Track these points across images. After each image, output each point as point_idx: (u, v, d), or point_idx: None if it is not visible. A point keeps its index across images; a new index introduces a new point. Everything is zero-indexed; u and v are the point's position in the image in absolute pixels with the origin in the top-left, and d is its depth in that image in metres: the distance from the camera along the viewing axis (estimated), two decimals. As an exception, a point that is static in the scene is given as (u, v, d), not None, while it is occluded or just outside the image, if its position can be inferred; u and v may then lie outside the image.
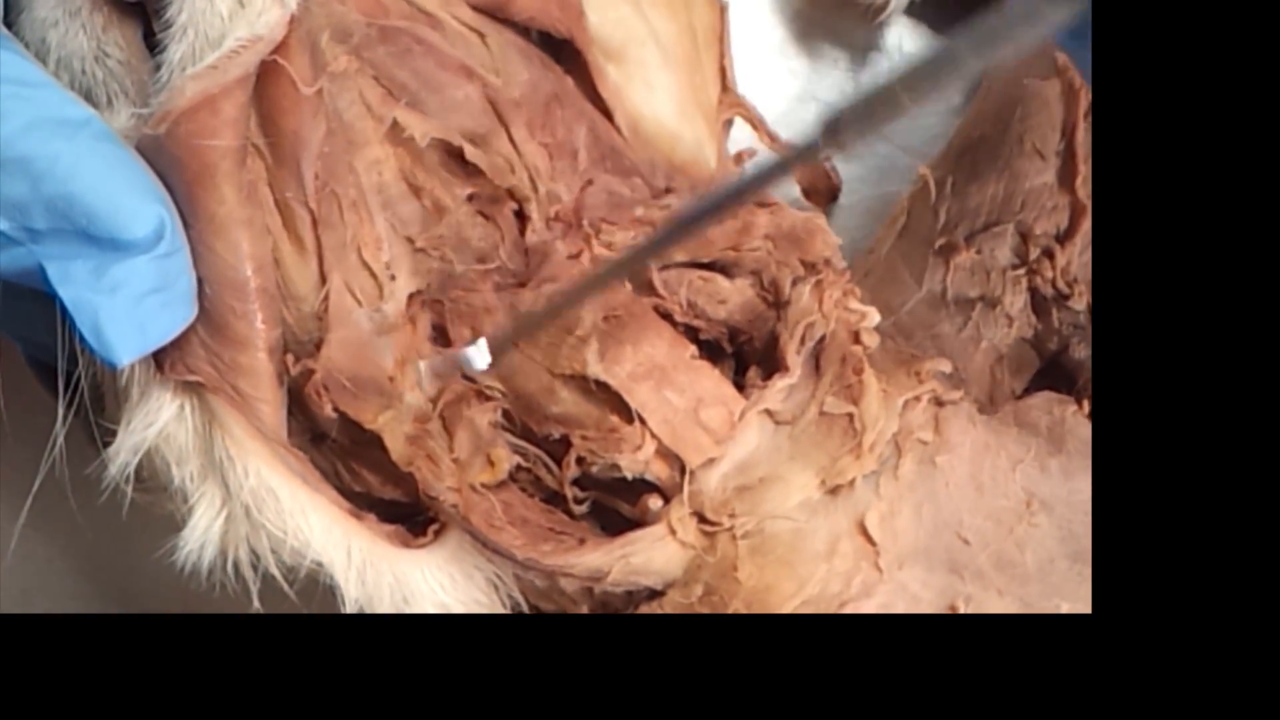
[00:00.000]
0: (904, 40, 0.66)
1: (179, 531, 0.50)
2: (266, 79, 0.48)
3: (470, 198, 0.53)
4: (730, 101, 0.62)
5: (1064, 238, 0.57)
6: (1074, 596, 0.51)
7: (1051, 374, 0.59)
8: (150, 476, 0.51)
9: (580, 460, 0.52)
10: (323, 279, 0.50)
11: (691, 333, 0.55)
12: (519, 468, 0.53)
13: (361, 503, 0.52)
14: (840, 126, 0.42)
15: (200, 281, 0.48)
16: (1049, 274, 0.57)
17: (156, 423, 0.50)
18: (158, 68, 0.48)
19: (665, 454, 0.52)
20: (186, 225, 0.47)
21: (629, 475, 0.52)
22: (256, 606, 0.50)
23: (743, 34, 0.63)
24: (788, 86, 0.67)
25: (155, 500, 0.52)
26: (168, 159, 0.47)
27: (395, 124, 0.51)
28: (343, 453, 0.52)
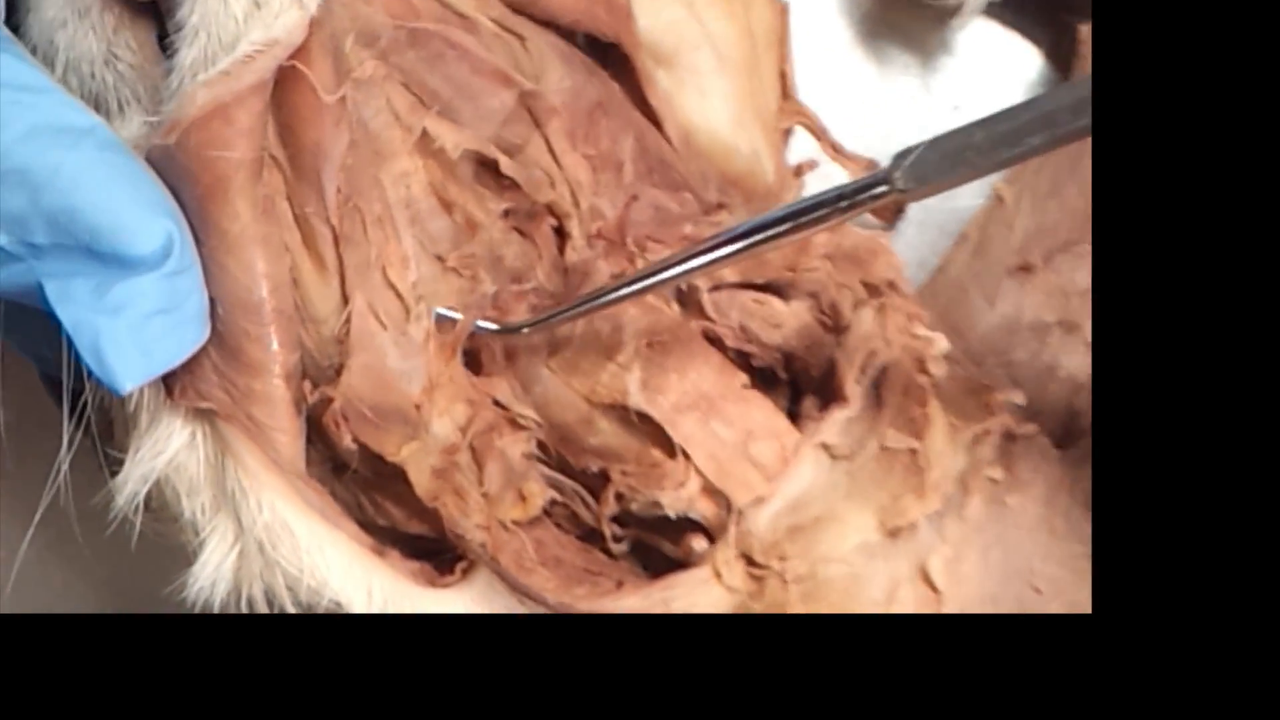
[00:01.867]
0: (981, 44, 0.62)
1: (190, 565, 0.48)
2: (285, 86, 0.45)
3: (506, 213, 0.50)
4: (791, 109, 0.59)
5: (1149, 259, 0.53)
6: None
7: None
8: (160, 507, 0.48)
9: (619, 496, 0.50)
10: (344, 300, 0.48)
11: (743, 359, 0.52)
12: (554, 503, 0.51)
13: (385, 538, 0.50)
14: (914, 165, 0.41)
15: (213, 302, 0.46)
16: None
17: (166, 451, 0.47)
18: (169, 72, 0.46)
19: (711, 491, 0.49)
20: (198, 242, 0.45)
21: (672, 514, 0.49)
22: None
23: (805, 36, 0.60)
24: (854, 93, 0.63)
25: (166, 532, 0.49)
26: (179, 170, 0.45)
27: (425, 134, 0.48)
28: (365, 485, 0.50)
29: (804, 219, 0.44)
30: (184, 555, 0.49)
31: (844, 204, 0.43)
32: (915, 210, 0.61)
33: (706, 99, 0.55)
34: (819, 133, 0.59)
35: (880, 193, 0.42)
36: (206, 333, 0.46)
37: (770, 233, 0.44)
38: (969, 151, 0.41)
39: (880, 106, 0.63)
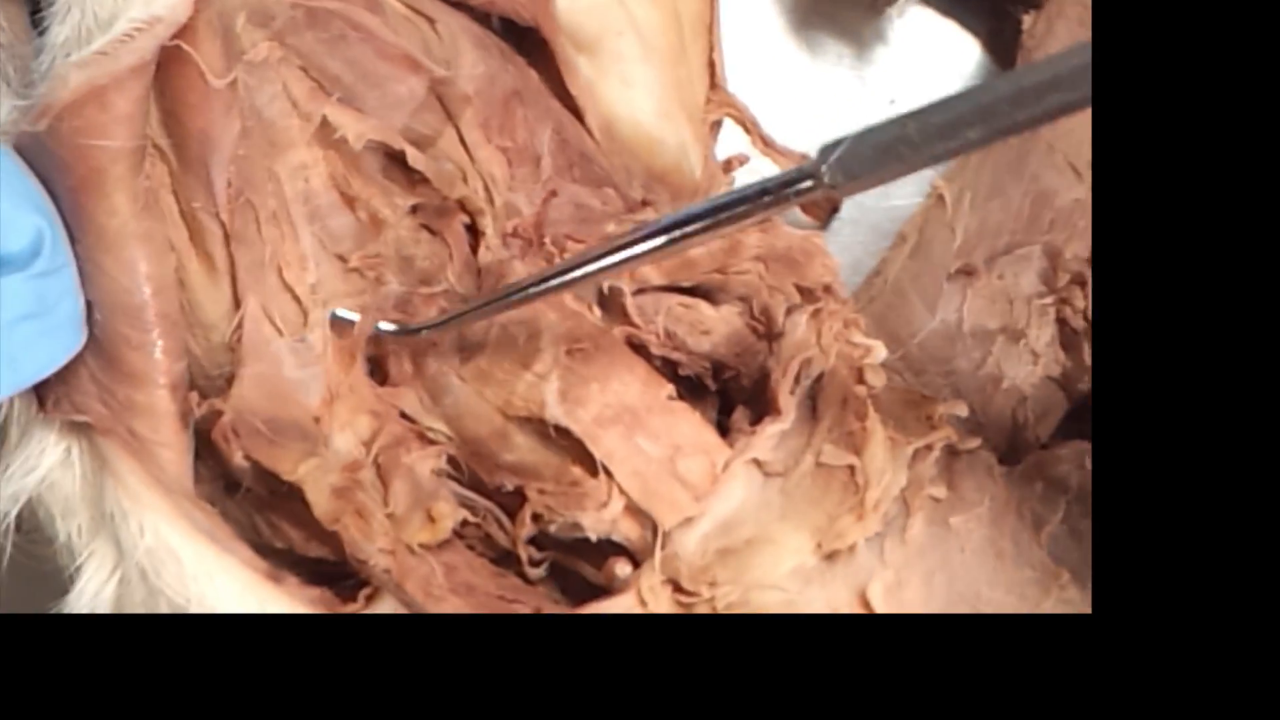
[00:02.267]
0: (915, 35, 0.60)
1: (66, 593, 0.45)
2: (170, 69, 0.43)
3: (414, 209, 0.48)
4: (720, 100, 0.56)
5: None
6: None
7: (1081, 418, 0.54)
8: (33, 529, 0.46)
9: (537, 517, 0.47)
10: (236, 303, 0.45)
11: (670, 367, 0.50)
12: (466, 523, 0.48)
13: (282, 561, 0.47)
14: (842, 159, 0.38)
15: (89, 305, 0.43)
16: (1080, 304, 0.53)
17: (38, 468, 0.44)
18: (40, 51, 0.43)
19: (635, 511, 0.46)
20: (73, 239, 0.42)
21: (593, 536, 0.46)
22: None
23: (735, 24, 0.58)
24: (784, 84, 0.61)
25: (41, 555, 0.46)
26: (51, 160, 0.42)
27: (325, 123, 0.46)
28: (259, 505, 0.47)
29: (726, 214, 0.41)
30: (60, 581, 0.45)
31: (768, 199, 0.40)
32: (850, 208, 0.60)
33: (630, 88, 0.52)
34: (749, 125, 0.57)
35: (806, 188, 0.39)
36: (82, 339, 0.43)
37: (691, 228, 0.41)
38: (901, 145, 0.38)
39: (812, 98, 0.61)
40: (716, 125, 0.57)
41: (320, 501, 0.45)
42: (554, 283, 0.43)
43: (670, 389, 0.48)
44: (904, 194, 0.59)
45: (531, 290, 0.44)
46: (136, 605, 0.44)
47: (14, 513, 0.44)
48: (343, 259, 0.46)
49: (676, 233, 0.42)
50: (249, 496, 0.47)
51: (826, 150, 0.39)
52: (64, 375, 0.43)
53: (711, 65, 0.56)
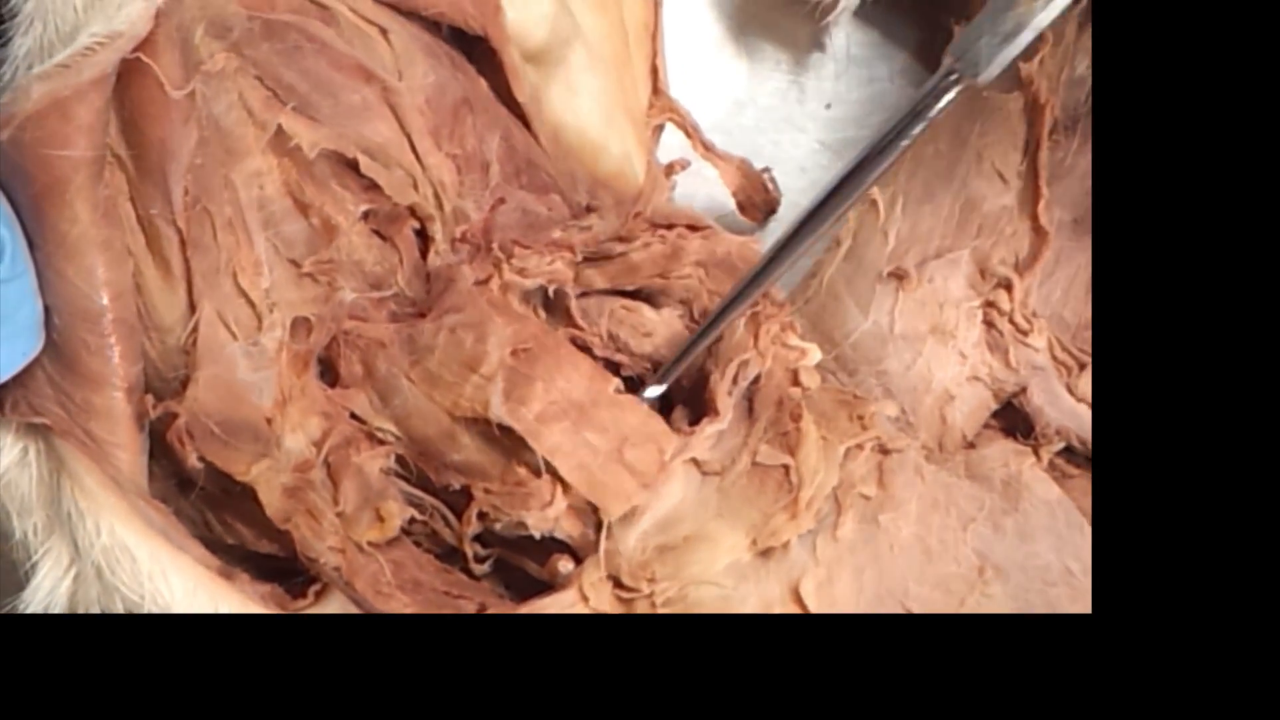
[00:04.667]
0: (851, 43, 0.61)
1: (21, 589, 0.46)
2: (130, 80, 0.43)
3: (365, 216, 0.48)
4: (662, 105, 0.57)
5: (1023, 267, 0.53)
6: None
7: (1008, 418, 0.54)
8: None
9: (482, 515, 0.48)
10: (192, 308, 0.45)
11: (612, 368, 0.51)
12: (413, 520, 0.48)
13: (234, 557, 0.47)
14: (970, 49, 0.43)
15: (48, 311, 0.43)
16: (1006, 307, 0.53)
17: None
18: (2, 63, 0.43)
19: (579, 509, 0.47)
20: (33, 246, 0.43)
21: (537, 534, 0.47)
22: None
23: (676, 31, 0.58)
24: (724, 90, 0.61)
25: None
26: (12, 169, 0.42)
27: (280, 131, 0.46)
28: (213, 503, 0.47)
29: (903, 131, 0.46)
30: (15, 578, 0.46)
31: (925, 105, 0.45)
32: (787, 209, 0.60)
33: (576, 96, 0.53)
34: (689, 130, 0.57)
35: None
36: (40, 344, 0.43)
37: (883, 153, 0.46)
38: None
39: (751, 103, 0.61)
40: (659, 129, 0.57)
41: (272, 501, 0.45)
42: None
43: (617, 382, 0.49)
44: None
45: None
46: (92, 601, 0.44)
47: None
48: (296, 264, 0.47)
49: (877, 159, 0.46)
50: (202, 495, 0.47)
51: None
52: (22, 378, 0.43)
53: (654, 71, 0.57)
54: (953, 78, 0.44)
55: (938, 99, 0.45)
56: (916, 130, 0.45)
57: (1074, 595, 0.49)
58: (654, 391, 0.49)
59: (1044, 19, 0.43)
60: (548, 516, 0.47)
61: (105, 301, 0.43)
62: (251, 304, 0.46)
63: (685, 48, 0.60)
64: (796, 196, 0.60)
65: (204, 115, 0.45)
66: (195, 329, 0.45)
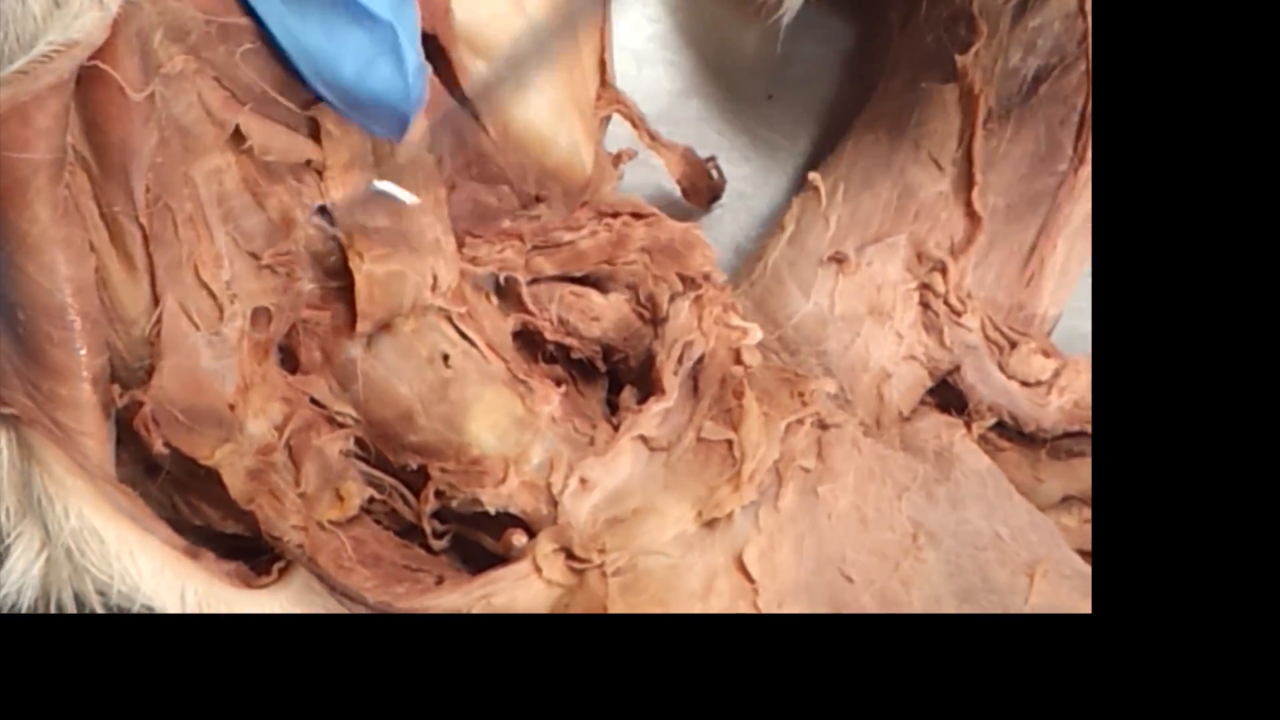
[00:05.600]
0: (795, 36, 0.62)
1: None
2: (91, 83, 0.44)
3: (322, 210, 0.49)
4: (609, 97, 0.58)
5: (957, 251, 0.55)
6: (960, 639, 0.49)
7: (942, 395, 0.56)
8: None
9: (439, 493, 0.49)
10: (155, 300, 0.47)
11: (563, 351, 0.53)
12: (373, 499, 0.50)
13: (200, 538, 0.49)
14: None
15: (13, 307, 0.44)
16: (941, 289, 0.55)
17: None
18: None
19: (531, 485, 0.49)
20: None
21: (492, 510, 0.49)
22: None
23: (623, 25, 0.61)
24: (670, 82, 0.63)
25: None
26: None
27: (238, 130, 0.47)
28: (179, 486, 0.49)
29: None
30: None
31: None
32: (730, 196, 0.61)
33: (525, 91, 0.54)
34: (636, 121, 0.58)
35: None
36: None
37: None
38: None
39: (696, 95, 0.63)
40: (605, 120, 0.58)
41: (236, 484, 0.47)
42: None
43: None
44: (781, 183, 0.63)
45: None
46: (64, 582, 0.45)
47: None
48: (255, 256, 0.48)
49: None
50: (168, 479, 0.48)
51: None
52: None
53: (603, 65, 0.58)
54: None
55: None
56: None
57: (1003, 559, 0.51)
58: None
59: None
60: (501, 493, 0.49)
61: (68, 296, 0.45)
62: (213, 295, 0.47)
63: (632, 42, 0.62)
64: (740, 184, 0.62)
65: (164, 115, 0.46)
66: (159, 320, 0.46)
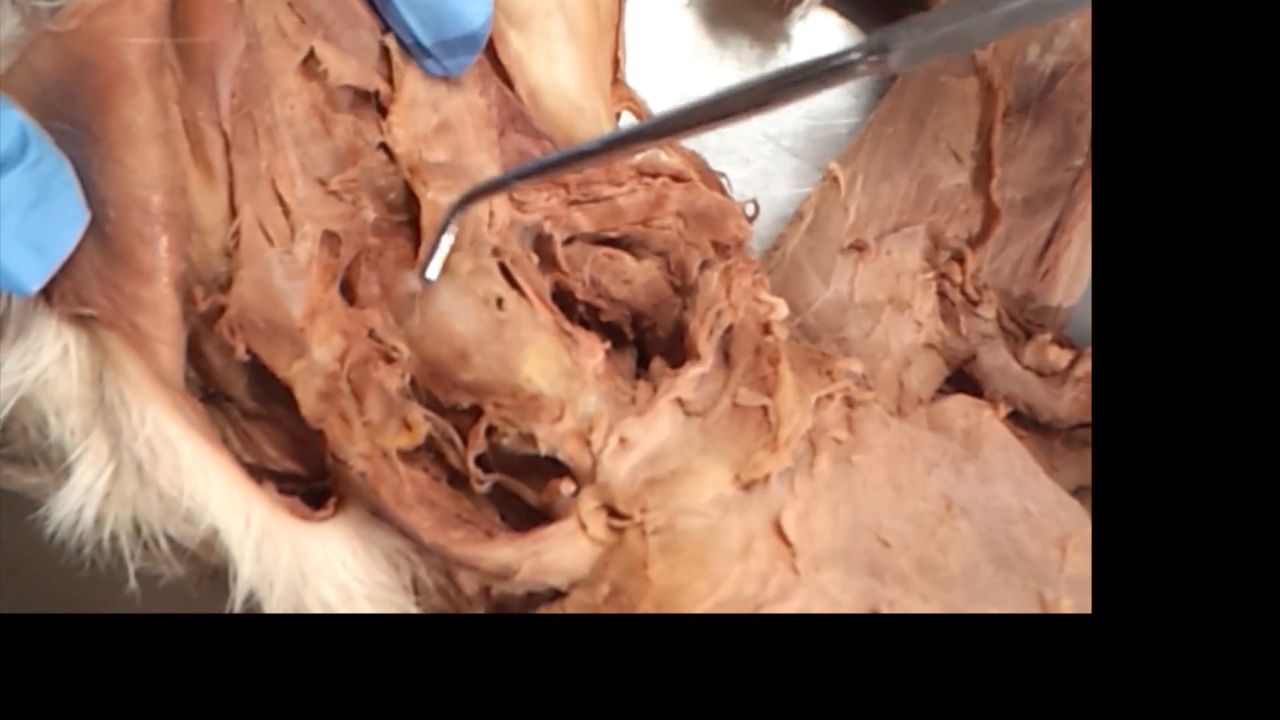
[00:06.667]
0: (817, 36, 0.64)
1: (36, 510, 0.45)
2: None
3: (382, 146, 0.49)
4: (620, 95, 0.59)
5: (975, 242, 0.56)
6: (1001, 602, 0.49)
7: (959, 383, 0.57)
8: (14, 439, 0.46)
9: (491, 430, 0.48)
10: (232, 211, 0.46)
11: (593, 313, 0.53)
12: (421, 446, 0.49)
13: (252, 475, 0.47)
14: (888, 44, 0.39)
15: (104, 204, 0.43)
16: (958, 279, 0.57)
17: (35, 365, 0.44)
18: None
19: (580, 434, 0.49)
20: (94, 139, 0.43)
21: (544, 449, 0.48)
22: (132, 585, 0.45)
23: (644, 21, 0.62)
24: (687, 81, 0.64)
25: (11, 475, 0.46)
26: (72, 61, 0.43)
27: (311, 55, 0.47)
28: (241, 415, 0.48)
29: (787, 85, 0.40)
30: (27, 502, 0.46)
31: (826, 73, 0.40)
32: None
33: (556, 64, 0.55)
34: (645, 118, 0.59)
35: (857, 62, 0.40)
36: (88, 216, 0.43)
37: (756, 94, 0.41)
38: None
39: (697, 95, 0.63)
40: (616, 117, 0.59)
41: (308, 401, 0.46)
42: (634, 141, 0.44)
43: None
44: (784, 186, 0.63)
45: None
46: (126, 500, 0.44)
47: (7, 409, 0.44)
48: (322, 182, 0.48)
49: (743, 98, 0.42)
50: (229, 407, 0.47)
51: (887, 36, 0.40)
52: (70, 270, 0.43)
53: (616, 62, 0.58)
54: (857, 56, 0.40)
55: (838, 72, 0.40)
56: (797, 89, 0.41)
57: (1034, 533, 0.51)
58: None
59: (978, 36, 0.39)
60: (556, 431, 0.48)
61: (162, 195, 0.44)
62: (287, 212, 0.46)
63: (652, 39, 0.63)
64: (741, 187, 0.63)
65: (250, 27, 0.46)
66: (238, 232, 0.46)
